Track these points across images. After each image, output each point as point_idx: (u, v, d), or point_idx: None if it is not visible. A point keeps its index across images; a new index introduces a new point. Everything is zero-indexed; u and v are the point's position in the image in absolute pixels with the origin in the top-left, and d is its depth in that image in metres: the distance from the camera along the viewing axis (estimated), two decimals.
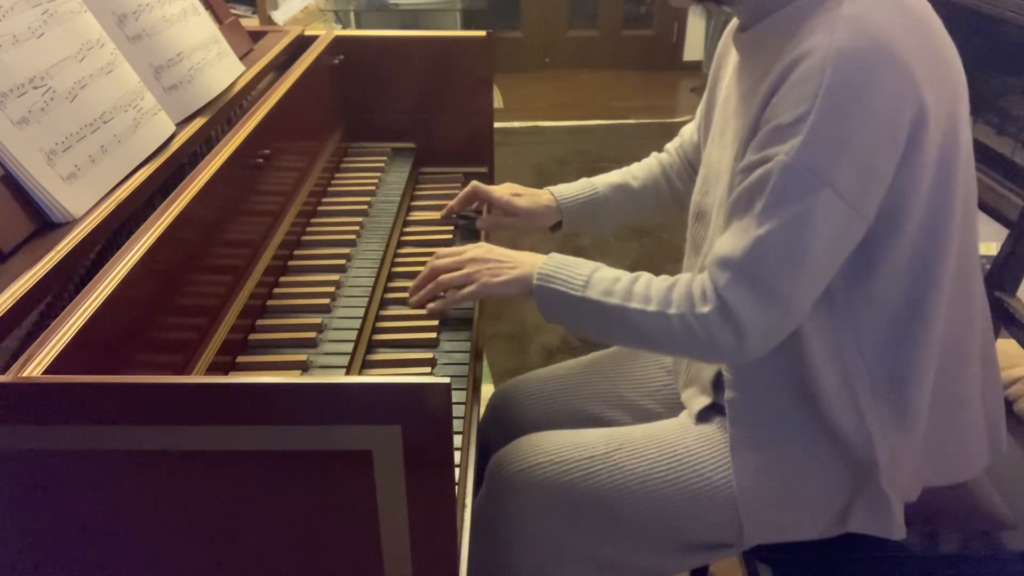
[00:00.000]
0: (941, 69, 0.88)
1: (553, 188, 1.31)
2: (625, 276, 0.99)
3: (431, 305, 1.10)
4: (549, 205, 1.29)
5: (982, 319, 1.03)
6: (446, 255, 1.09)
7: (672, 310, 0.93)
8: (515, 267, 1.04)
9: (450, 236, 1.32)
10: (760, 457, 1.01)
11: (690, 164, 1.30)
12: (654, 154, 1.35)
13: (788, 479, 1.01)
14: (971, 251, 0.98)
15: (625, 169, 1.33)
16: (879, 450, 0.96)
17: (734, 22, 1.07)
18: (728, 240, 0.91)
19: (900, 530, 1.00)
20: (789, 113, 0.84)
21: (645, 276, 0.99)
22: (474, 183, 1.34)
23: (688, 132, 1.30)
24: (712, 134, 1.09)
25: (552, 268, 1.01)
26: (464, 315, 1.13)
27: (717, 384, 1.07)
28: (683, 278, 0.96)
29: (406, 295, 1.16)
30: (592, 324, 1.00)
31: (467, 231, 1.35)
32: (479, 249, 1.08)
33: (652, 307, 0.95)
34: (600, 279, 0.99)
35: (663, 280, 0.98)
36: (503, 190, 1.31)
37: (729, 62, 1.08)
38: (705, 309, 0.91)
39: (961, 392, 1.02)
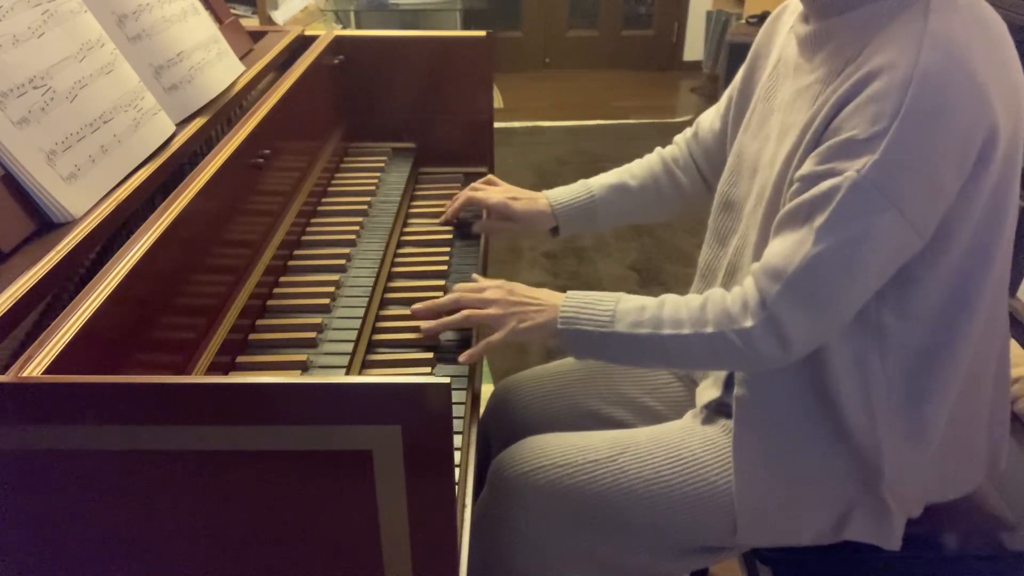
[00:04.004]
0: (1011, 93, 0.87)
1: (549, 193, 1.29)
2: (650, 303, 0.98)
3: (463, 357, 1.03)
4: (545, 211, 1.27)
5: (1001, 339, 1.02)
6: (467, 290, 1.06)
7: (709, 329, 0.93)
8: (540, 310, 1.01)
9: (450, 236, 1.32)
10: (762, 457, 1.01)
11: (704, 155, 1.26)
12: (657, 149, 1.32)
13: (789, 481, 1.01)
14: (1006, 274, 0.97)
15: (624, 168, 1.31)
16: (886, 459, 0.96)
17: (777, 12, 1.04)
18: (780, 251, 0.89)
19: (897, 541, 1.00)
20: (864, 128, 0.82)
21: (671, 299, 0.98)
22: (469, 192, 1.32)
23: (707, 120, 1.26)
24: (747, 124, 1.07)
25: (574, 309, 0.99)
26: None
27: (729, 379, 1.06)
28: (713, 295, 0.95)
29: (406, 295, 1.16)
30: (623, 356, 1.00)
31: (466, 232, 1.34)
32: (500, 290, 1.04)
33: (687, 330, 0.94)
34: (625, 311, 0.97)
35: (692, 299, 0.96)
36: (500, 194, 1.29)
37: (773, 51, 1.06)
38: (748, 323, 0.90)
39: (971, 411, 1.01)
